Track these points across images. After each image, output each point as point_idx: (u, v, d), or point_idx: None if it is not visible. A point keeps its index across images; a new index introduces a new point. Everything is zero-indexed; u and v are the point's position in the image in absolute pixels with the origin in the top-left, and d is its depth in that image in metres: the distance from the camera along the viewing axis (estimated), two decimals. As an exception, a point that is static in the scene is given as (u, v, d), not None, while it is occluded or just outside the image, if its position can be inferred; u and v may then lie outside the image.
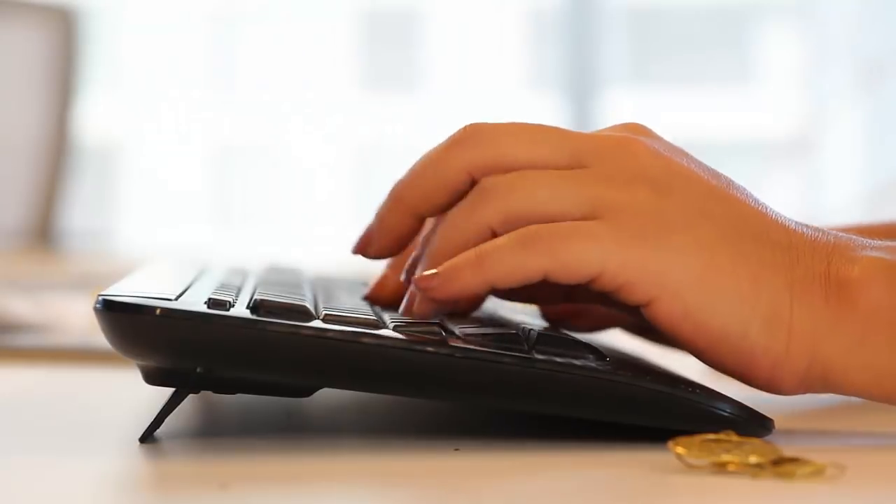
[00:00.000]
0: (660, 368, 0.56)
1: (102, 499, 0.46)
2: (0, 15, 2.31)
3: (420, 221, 0.58)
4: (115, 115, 4.59)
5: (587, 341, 0.54)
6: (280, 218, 4.76)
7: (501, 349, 0.52)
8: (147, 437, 0.52)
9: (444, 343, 0.51)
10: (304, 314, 0.51)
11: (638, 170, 0.55)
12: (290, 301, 0.52)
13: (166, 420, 0.52)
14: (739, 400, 0.53)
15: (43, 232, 2.29)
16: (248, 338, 0.50)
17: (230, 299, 0.52)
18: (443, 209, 0.57)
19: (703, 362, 0.55)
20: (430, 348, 0.51)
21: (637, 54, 4.67)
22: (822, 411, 0.61)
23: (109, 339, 0.51)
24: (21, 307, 0.91)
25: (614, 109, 4.24)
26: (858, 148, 4.24)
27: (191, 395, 0.52)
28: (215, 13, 4.77)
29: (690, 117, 4.56)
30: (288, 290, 0.58)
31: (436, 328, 0.53)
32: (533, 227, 0.53)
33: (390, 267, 0.64)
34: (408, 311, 0.56)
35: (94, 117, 3.54)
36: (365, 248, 0.60)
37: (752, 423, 0.53)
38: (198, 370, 0.50)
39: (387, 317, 0.55)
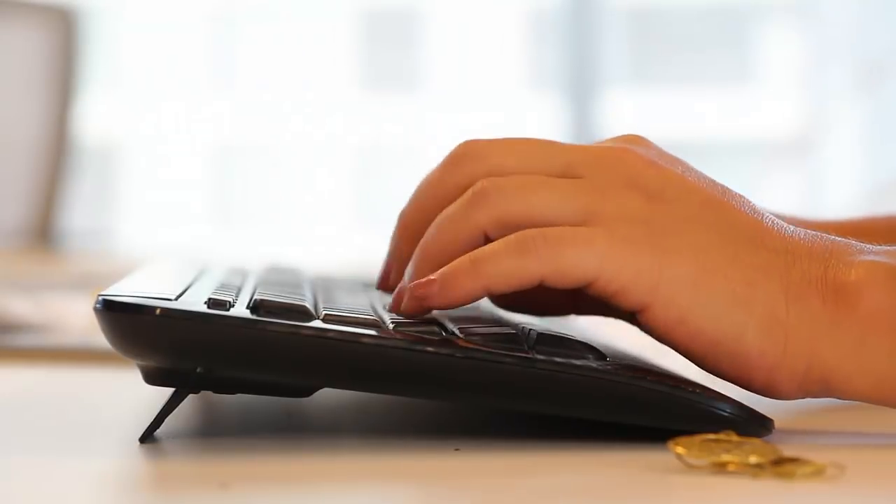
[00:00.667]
0: (660, 368, 0.56)
1: (102, 499, 0.46)
2: (0, 15, 2.31)
3: None
4: (115, 115, 4.59)
5: (587, 341, 0.54)
6: (280, 218, 4.76)
7: (501, 349, 0.52)
8: (147, 437, 0.52)
9: (444, 343, 0.51)
10: (304, 314, 0.51)
11: (631, 178, 0.55)
12: (290, 301, 0.52)
13: (166, 420, 0.52)
14: (739, 400, 0.53)
15: (43, 232, 2.29)
16: (248, 338, 0.50)
17: (230, 299, 0.52)
18: None
19: (700, 368, 0.55)
20: (430, 348, 0.51)
21: (637, 54, 4.67)
22: (822, 411, 0.61)
23: (109, 339, 0.51)
24: (21, 307, 0.91)
25: (614, 109, 4.24)
26: (858, 148, 4.24)
27: (191, 395, 0.52)
28: (215, 13, 4.77)
29: (690, 117, 4.56)
30: (288, 290, 0.58)
31: (436, 328, 0.53)
32: (529, 232, 0.53)
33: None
34: (395, 310, 0.56)
35: (94, 117, 3.54)
36: (386, 281, 0.60)
37: (752, 423, 0.53)
38: (198, 370, 0.50)
39: (387, 317, 0.55)
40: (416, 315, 0.55)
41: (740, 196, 0.56)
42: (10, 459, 0.51)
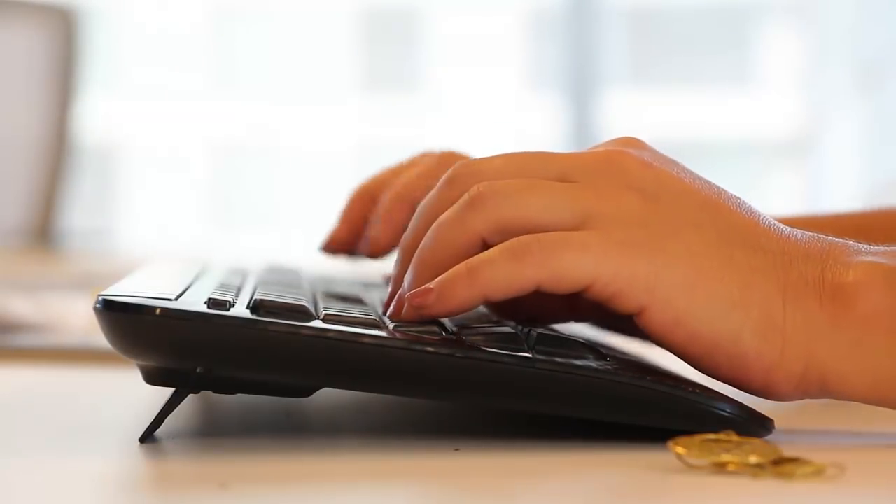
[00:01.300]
0: (660, 368, 0.56)
1: (102, 499, 0.46)
2: (0, 15, 2.31)
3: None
4: (115, 115, 4.59)
5: (587, 341, 0.54)
6: (280, 218, 4.76)
7: (501, 349, 0.52)
8: (147, 437, 0.52)
9: (444, 343, 0.51)
10: (304, 314, 0.51)
11: (626, 180, 0.55)
12: (290, 301, 0.52)
13: (166, 420, 0.52)
14: (739, 400, 0.53)
15: (43, 232, 2.29)
16: (248, 338, 0.50)
17: (230, 299, 0.52)
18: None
19: (697, 370, 0.55)
20: (430, 348, 0.51)
21: (637, 54, 4.67)
22: (822, 411, 0.61)
23: (109, 339, 0.51)
24: (21, 307, 0.91)
25: (614, 109, 4.24)
26: (858, 148, 4.24)
27: (191, 395, 0.52)
28: (215, 13, 4.77)
29: (690, 117, 4.56)
30: (288, 290, 0.58)
31: (436, 328, 0.53)
32: (524, 238, 0.53)
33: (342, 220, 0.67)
34: (395, 317, 0.55)
35: (94, 117, 3.54)
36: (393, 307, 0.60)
37: (752, 423, 0.53)
38: (198, 370, 0.50)
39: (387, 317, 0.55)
40: (416, 322, 0.54)
41: (736, 197, 0.56)
42: (10, 459, 0.51)
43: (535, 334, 0.53)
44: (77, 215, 2.74)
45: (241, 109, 4.71)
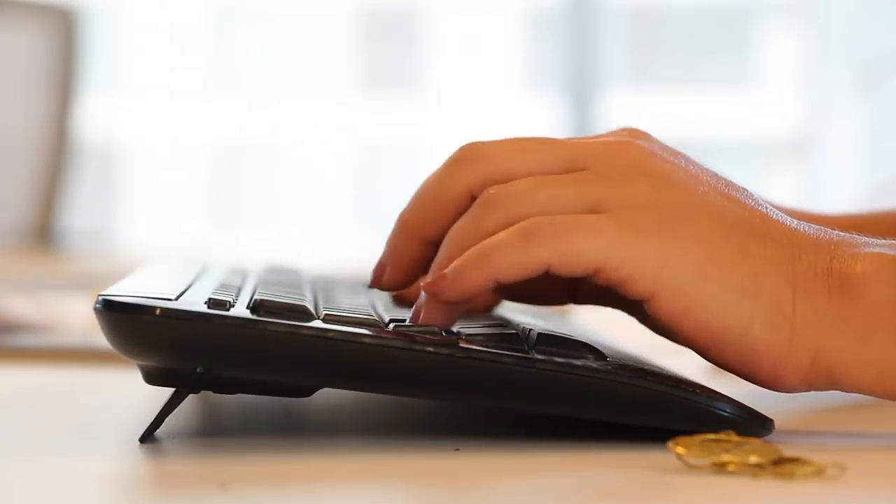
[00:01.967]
0: (660, 368, 0.56)
1: (102, 499, 0.46)
2: (0, 15, 2.31)
3: (429, 246, 0.58)
4: (115, 114, 4.59)
5: (587, 341, 0.54)
6: (280, 217, 4.76)
7: (501, 349, 0.52)
8: (147, 437, 0.52)
9: (444, 343, 0.51)
10: (304, 314, 0.51)
11: (636, 167, 0.55)
12: (290, 301, 0.52)
13: (166, 420, 0.52)
14: (739, 400, 0.53)
15: (43, 232, 2.29)
16: (248, 338, 0.50)
17: (230, 299, 0.52)
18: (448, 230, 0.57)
19: (705, 359, 0.55)
20: (430, 348, 0.51)
21: (637, 55, 4.67)
22: (822, 411, 0.61)
23: (109, 339, 0.51)
24: (21, 307, 0.91)
25: (614, 109, 4.24)
26: (858, 148, 4.24)
27: (191, 395, 0.52)
28: (215, 13, 4.77)
29: (690, 117, 4.56)
30: (288, 290, 0.58)
31: (436, 328, 0.53)
32: (535, 220, 0.53)
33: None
34: (415, 320, 0.55)
35: (94, 117, 3.54)
36: (379, 279, 0.60)
37: (752, 423, 0.53)
38: (198, 370, 0.50)
39: (387, 317, 0.55)
40: (441, 325, 0.54)
41: (743, 189, 0.56)
42: (10, 459, 0.51)
43: (535, 334, 0.53)
44: (77, 215, 2.74)
45: (242, 109, 4.71)
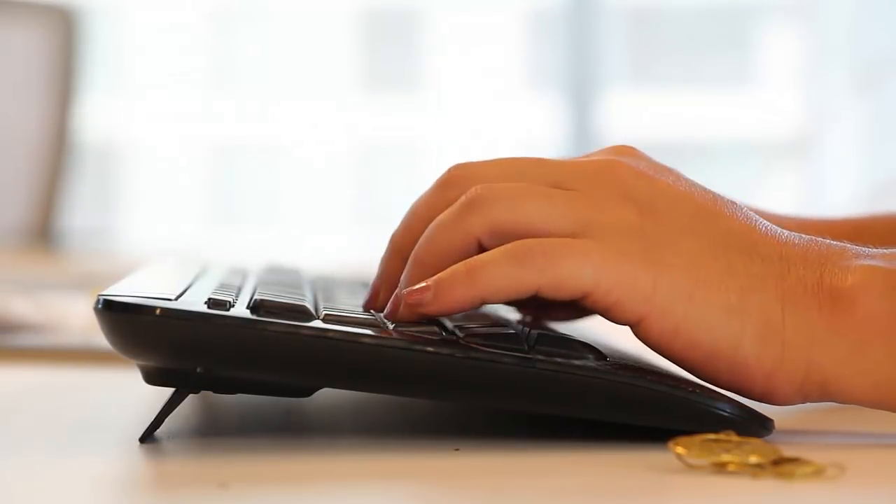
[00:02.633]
0: (660, 368, 0.56)
1: (102, 499, 0.46)
2: (0, 15, 2.31)
3: None
4: (115, 114, 4.59)
5: (587, 341, 0.54)
6: (280, 217, 4.76)
7: (501, 349, 0.52)
8: (147, 437, 0.52)
9: (444, 343, 0.51)
10: (304, 314, 0.51)
11: (622, 191, 0.55)
12: (290, 301, 0.52)
13: (166, 420, 0.52)
14: (739, 400, 0.53)
15: (43, 231, 2.29)
16: (248, 338, 0.50)
17: (230, 299, 0.52)
18: None
19: (698, 378, 0.55)
20: (430, 348, 0.51)
21: (637, 55, 4.67)
22: (822, 411, 0.61)
23: (109, 339, 0.51)
24: (21, 307, 0.91)
25: (614, 109, 4.24)
26: (858, 148, 4.24)
27: (191, 395, 0.52)
28: (215, 13, 4.77)
29: (690, 117, 4.56)
30: (288, 290, 0.58)
31: (436, 328, 0.53)
32: (527, 242, 0.53)
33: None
34: (391, 317, 0.55)
35: (94, 117, 3.54)
36: (374, 301, 0.60)
37: (752, 423, 0.53)
38: (198, 370, 0.50)
39: (387, 317, 0.55)
40: (413, 321, 0.54)
41: (732, 203, 0.56)
42: (10, 459, 0.51)
43: (535, 334, 0.53)
44: (77, 215, 2.74)
45: (242, 109, 4.71)
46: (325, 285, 0.68)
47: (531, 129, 4.46)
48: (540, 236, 0.53)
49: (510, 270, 0.53)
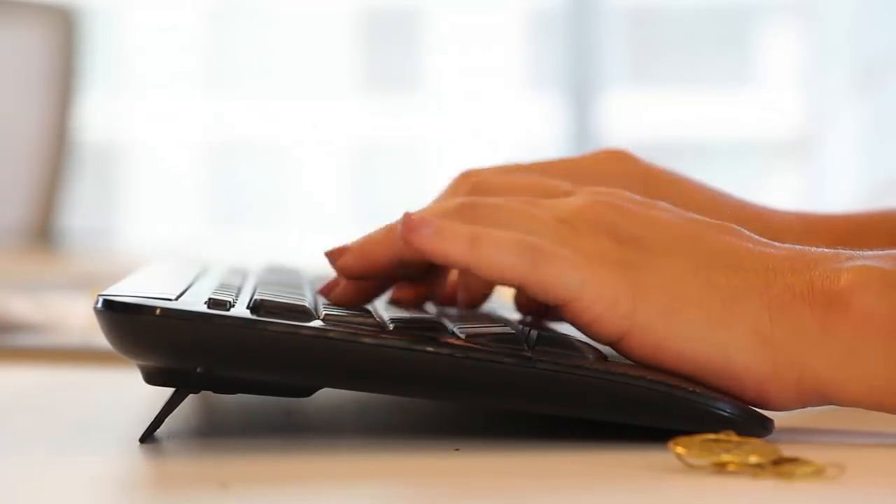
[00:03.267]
0: (660, 368, 0.56)
1: (102, 499, 0.46)
2: (0, 15, 2.31)
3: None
4: (115, 114, 4.59)
5: (587, 341, 0.54)
6: (280, 217, 4.76)
7: (501, 349, 0.52)
8: (147, 437, 0.52)
9: (444, 343, 0.51)
10: (304, 314, 0.51)
11: (604, 229, 0.55)
12: (290, 301, 0.52)
13: (166, 420, 0.52)
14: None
15: (43, 231, 2.29)
16: (248, 338, 0.50)
17: (230, 299, 0.52)
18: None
19: None
20: (430, 348, 0.51)
21: (637, 55, 4.66)
22: (822, 411, 0.61)
23: (109, 339, 0.51)
24: (21, 307, 0.91)
25: (614, 109, 4.24)
26: (858, 148, 4.24)
27: (191, 395, 0.52)
28: (215, 13, 4.77)
29: (690, 117, 4.56)
30: (288, 290, 0.58)
31: (436, 328, 0.53)
32: (531, 238, 0.53)
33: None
34: (331, 290, 0.57)
35: (94, 117, 3.54)
36: (340, 253, 0.60)
37: (752, 423, 0.53)
38: (198, 370, 0.50)
39: (387, 317, 0.55)
40: (356, 296, 0.56)
41: (721, 225, 0.56)
42: (10, 459, 0.51)
43: (535, 334, 0.53)
44: (77, 215, 2.74)
45: (242, 109, 4.71)
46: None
47: (531, 129, 4.46)
48: None
49: (508, 253, 0.53)
